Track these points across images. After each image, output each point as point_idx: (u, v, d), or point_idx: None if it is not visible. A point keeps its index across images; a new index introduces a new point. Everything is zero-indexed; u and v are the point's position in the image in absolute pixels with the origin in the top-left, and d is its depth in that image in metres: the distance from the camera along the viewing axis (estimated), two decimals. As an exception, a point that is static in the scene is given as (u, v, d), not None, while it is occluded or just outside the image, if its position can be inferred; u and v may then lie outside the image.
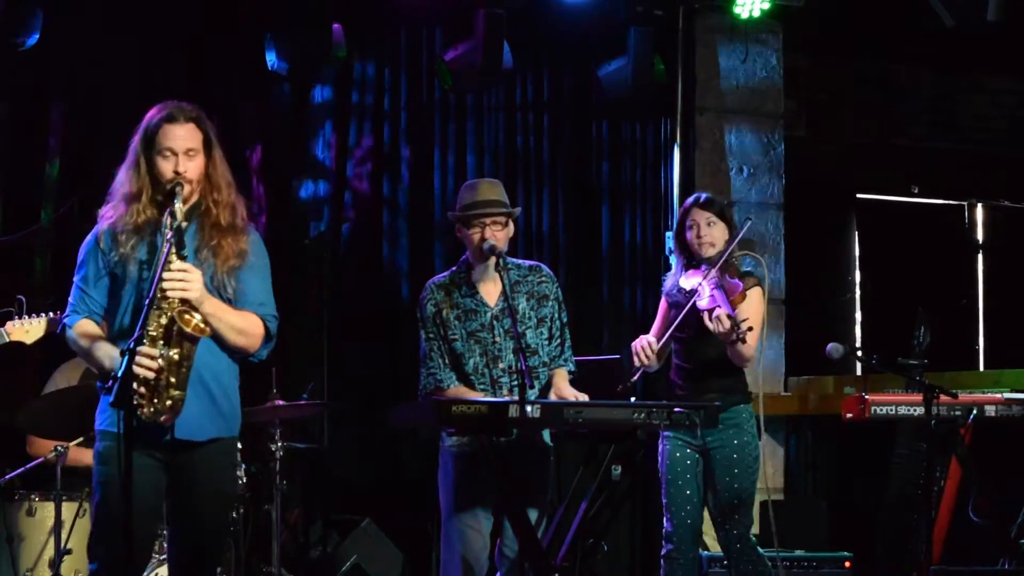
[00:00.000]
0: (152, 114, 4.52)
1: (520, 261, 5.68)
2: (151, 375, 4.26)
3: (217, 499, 4.56)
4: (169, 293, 4.29)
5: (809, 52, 9.30)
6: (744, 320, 5.44)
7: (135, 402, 4.25)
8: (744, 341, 5.49)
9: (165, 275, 4.28)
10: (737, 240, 5.76)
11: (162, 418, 4.32)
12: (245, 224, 4.61)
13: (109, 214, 4.53)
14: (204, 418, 4.47)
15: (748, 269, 5.93)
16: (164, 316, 4.30)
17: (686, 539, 5.71)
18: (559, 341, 5.63)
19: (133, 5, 7.27)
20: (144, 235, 4.47)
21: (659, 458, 5.82)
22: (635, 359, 5.73)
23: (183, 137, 4.47)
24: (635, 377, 5.82)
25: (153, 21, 7.30)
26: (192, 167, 4.48)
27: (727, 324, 5.44)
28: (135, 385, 4.24)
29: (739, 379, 5.73)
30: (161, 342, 4.29)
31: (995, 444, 7.26)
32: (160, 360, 4.28)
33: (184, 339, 4.31)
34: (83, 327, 4.49)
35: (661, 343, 5.74)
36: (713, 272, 5.65)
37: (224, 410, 4.55)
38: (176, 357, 4.31)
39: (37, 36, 6.88)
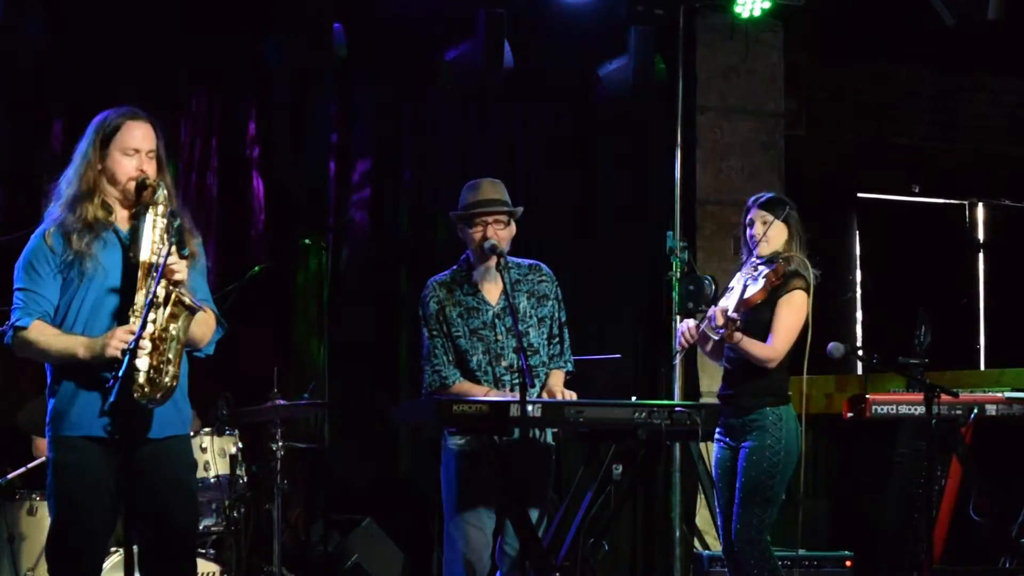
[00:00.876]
0: (107, 114, 4.49)
1: (520, 260, 5.68)
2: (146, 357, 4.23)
3: (182, 497, 4.49)
4: (177, 277, 4.28)
5: (810, 51, 9.30)
6: (731, 322, 5.47)
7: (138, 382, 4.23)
8: (730, 340, 5.52)
9: (171, 263, 4.27)
10: (761, 231, 5.73)
11: (156, 398, 4.28)
12: (193, 228, 4.57)
13: (56, 215, 4.46)
14: (163, 415, 4.41)
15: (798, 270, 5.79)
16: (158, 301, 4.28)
17: (728, 536, 5.76)
18: (558, 340, 5.64)
19: (133, 5, 7.27)
20: (97, 234, 4.40)
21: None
22: (677, 341, 5.79)
23: (144, 137, 4.45)
24: (675, 360, 5.87)
25: (153, 20, 7.30)
26: (151, 169, 4.45)
27: (719, 320, 5.48)
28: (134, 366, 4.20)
29: (771, 382, 5.71)
30: (163, 312, 4.27)
31: (996, 443, 7.27)
32: (156, 330, 4.25)
33: (184, 310, 4.30)
34: (40, 327, 4.36)
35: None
36: (746, 269, 5.70)
37: (180, 407, 4.50)
38: (174, 332, 4.30)
39: (37, 36, 6.88)
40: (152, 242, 4.35)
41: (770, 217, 5.75)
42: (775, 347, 5.65)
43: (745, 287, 5.68)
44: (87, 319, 4.37)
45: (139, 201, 4.43)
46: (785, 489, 5.75)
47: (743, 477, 5.64)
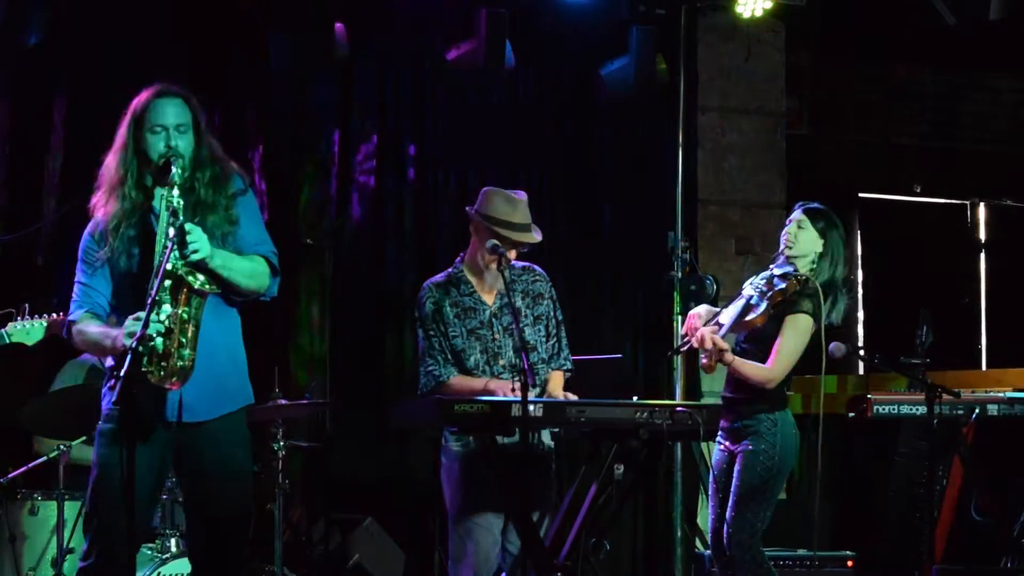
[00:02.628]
0: (140, 97, 4.53)
1: (513, 263, 5.68)
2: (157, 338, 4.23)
3: (229, 480, 4.49)
4: (191, 258, 4.27)
5: (811, 51, 9.30)
6: (718, 352, 5.49)
7: (144, 369, 4.21)
8: (706, 367, 5.55)
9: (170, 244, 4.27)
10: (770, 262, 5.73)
11: (172, 380, 4.28)
12: (233, 197, 4.56)
13: (100, 206, 4.51)
14: (209, 396, 4.44)
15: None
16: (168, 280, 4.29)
17: (716, 537, 5.75)
18: (556, 339, 5.65)
19: (135, 4, 7.27)
20: (135, 219, 4.45)
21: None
22: (683, 328, 5.79)
23: (173, 113, 4.47)
24: (682, 348, 5.83)
25: (155, 19, 7.30)
26: (183, 143, 4.46)
27: (707, 345, 5.50)
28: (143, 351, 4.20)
29: (768, 388, 5.68)
30: (169, 303, 4.28)
31: (997, 443, 7.27)
32: (167, 320, 4.26)
33: (192, 295, 4.30)
34: (83, 321, 4.47)
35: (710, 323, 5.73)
36: (761, 279, 5.66)
37: (233, 383, 4.54)
38: (184, 316, 4.30)
39: (40, 35, 6.88)
40: (161, 231, 4.35)
41: (808, 224, 5.71)
42: (773, 369, 5.57)
43: (747, 306, 5.63)
44: (130, 304, 4.38)
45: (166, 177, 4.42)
46: (779, 494, 5.72)
47: (737, 481, 5.62)
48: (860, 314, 9.70)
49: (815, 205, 5.81)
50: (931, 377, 6.42)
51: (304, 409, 6.94)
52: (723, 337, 5.66)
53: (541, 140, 8.44)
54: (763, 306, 5.55)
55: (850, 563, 7.04)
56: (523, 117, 8.38)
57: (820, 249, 5.71)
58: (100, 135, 5.63)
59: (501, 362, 5.52)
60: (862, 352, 7.09)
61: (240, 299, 4.56)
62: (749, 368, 5.58)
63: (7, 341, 5.59)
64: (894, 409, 6.70)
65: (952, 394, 6.24)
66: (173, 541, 6.12)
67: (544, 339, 5.63)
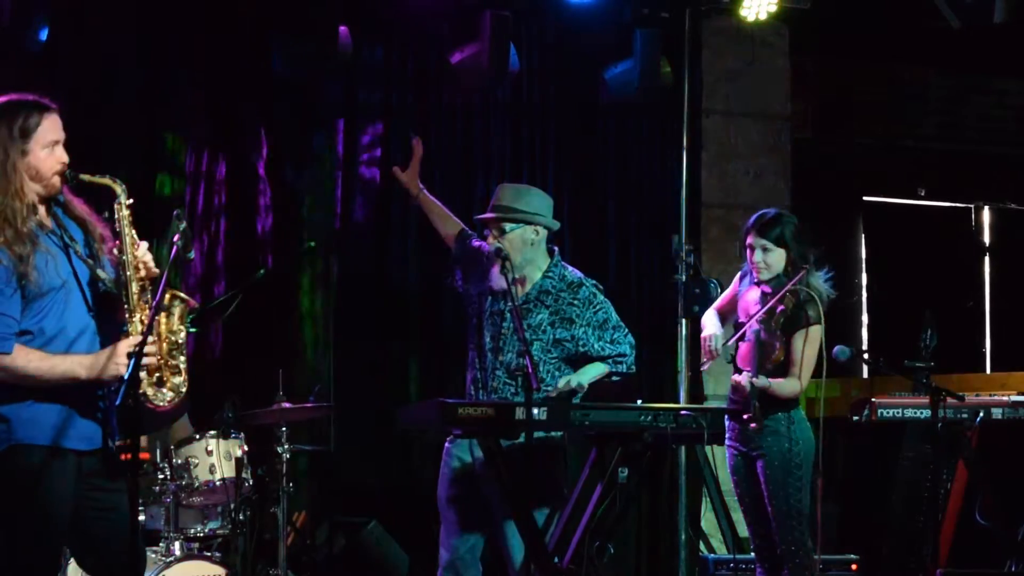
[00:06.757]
0: (14, 109, 4.21)
1: (568, 272, 5.65)
2: (153, 360, 4.15)
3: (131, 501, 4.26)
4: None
5: (815, 54, 9.29)
6: (756, 392, 5.47)
7: (143, 390, 4.11)
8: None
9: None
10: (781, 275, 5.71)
11: (173, 401, 4.22)
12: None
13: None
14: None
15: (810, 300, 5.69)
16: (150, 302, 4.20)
17: (760, 540, 5.74)
18: (609, 350, 5.60)
19: (136, 5, 7.27)
20: (43, 238, 4.16)
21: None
22: (703, 351, 5.77)
23: (60, 127, 4.24)
24: (703, 367, 5.85)
25: (157, 21, 7.30)
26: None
27: (743, 392, 5.49)
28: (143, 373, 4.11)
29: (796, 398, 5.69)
30: (176, 323, 4.25)
31: (1002, 446, 7.26)
32: (172, 338, 4.22)
33: (183, 304, 4.28)
34: (24, 352, 4.05)
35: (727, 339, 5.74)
36: (761, 314, 5.61)
37: None
38: (183, 340, 4.28)
39: (43, 37, 6.88)
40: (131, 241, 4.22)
41: (770, 244, 5.67)
42: (799, 381, 5.62)
43: (761, 345, 5.59)
44: (82, 327, 4.18)
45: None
46: (809, 479, 5.70)
47: (774, 487, 5.58)
48: (864, 317, 9.70)
49: (758, 218, 5.77)
50: (935, 380, 6.42)
51: (308, 412, 6.94)
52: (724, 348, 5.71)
53: (545, 143, 8.43)
54: (778, 342, 5.56)
55: (854, 566, 7.01)
56: (527, 120, 8.37)
57: (786, 258, 5.69)
58: (102, 137, 5.64)
59: (501, 357, 5.52)
60: (866, 355, 7.07)
61: None
62: (786, 388, 5.59)
63: None
64: (898, 412, 6.70)
65: (956, 397, 6.24)
66: (177, 544, 6.12)
67: (554, 360, 5.57)
